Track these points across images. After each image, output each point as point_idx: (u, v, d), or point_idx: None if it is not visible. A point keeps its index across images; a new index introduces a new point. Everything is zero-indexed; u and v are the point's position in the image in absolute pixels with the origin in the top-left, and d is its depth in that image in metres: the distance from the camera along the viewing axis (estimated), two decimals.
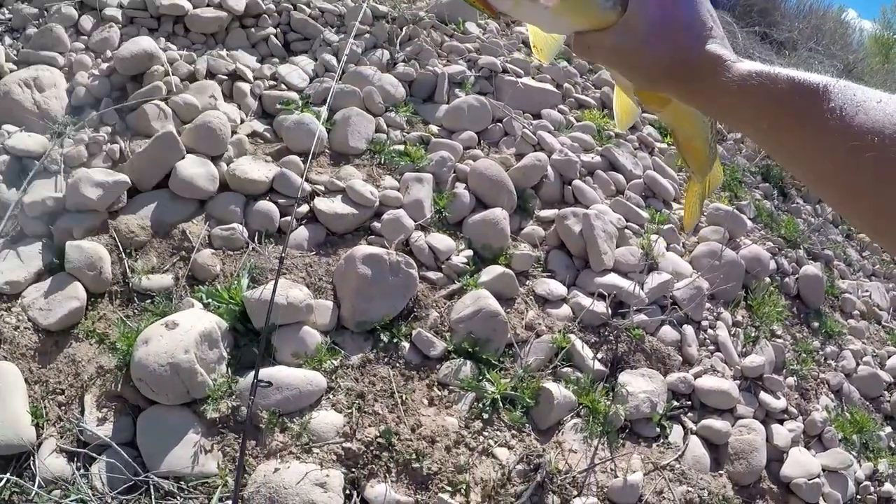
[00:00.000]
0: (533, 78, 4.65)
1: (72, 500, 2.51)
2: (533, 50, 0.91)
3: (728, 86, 0.68)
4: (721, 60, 0.70)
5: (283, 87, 3.97)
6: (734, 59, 0.70)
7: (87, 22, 4.07)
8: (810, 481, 3.25)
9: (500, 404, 2.99)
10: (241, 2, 4.21)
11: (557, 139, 4.20)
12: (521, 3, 0.74)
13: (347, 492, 2.63)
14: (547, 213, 3.80)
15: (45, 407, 2.75)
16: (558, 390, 3.04)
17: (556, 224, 3.68)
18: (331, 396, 2.86)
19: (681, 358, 3.53)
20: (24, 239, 3.18)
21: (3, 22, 4.09)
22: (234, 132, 3.63)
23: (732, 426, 3.32)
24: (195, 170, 3.30)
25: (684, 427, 3.30)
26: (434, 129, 4.05)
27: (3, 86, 3.60)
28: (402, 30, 4.52)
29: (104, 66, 3.82)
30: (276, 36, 4.31)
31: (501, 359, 3.13)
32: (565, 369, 3.21)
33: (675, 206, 4.45)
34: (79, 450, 2.65)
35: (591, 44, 0.76)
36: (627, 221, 3.94)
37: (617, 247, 3.73)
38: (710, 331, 3.77)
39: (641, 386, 3.27)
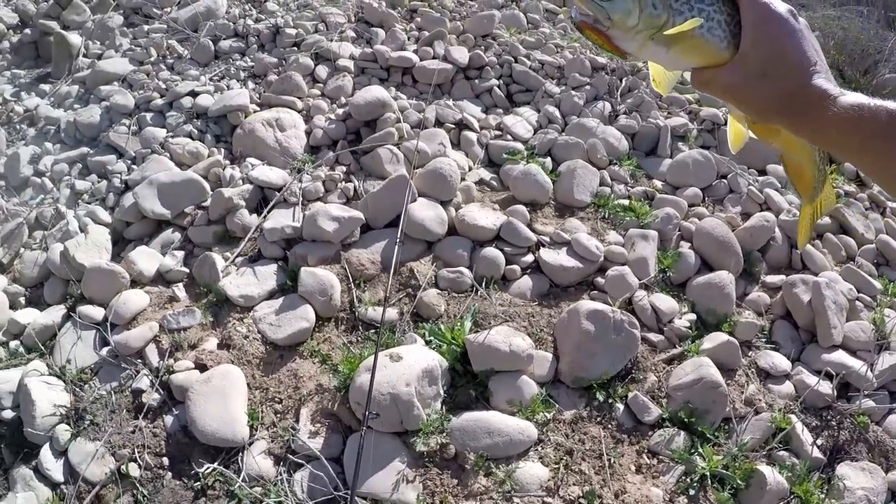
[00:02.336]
0: None
1: (271, 500, 2.72)
2: (652, 83, 0.99)
3: (834, 119, 0.74)
4: (827, 95, 0.75)
5: (509, 137, 4.10)
6: (838, 92, 0.75)
7: (322, 71, 4.47)
8: None
9: (709, 482, 2.85)
10: (464, 55, 4.44)
11: (785, 197, 3.98)
12: (646, 45, 0.85)
13: None
14: (773, 278, 3.60)
15: (261, 412, 3.00)
16: (772, 475, 2.84)
17: (783, 292, 3.47)
18: (539, 449, 2.86)
19: None
20: (261, 259, 3.52)
21: (246, 69, 4.61)
22: (462, 179, 3.78)
23: None
24: (426, 213, 3.48)
25: None
26: (658, 184, 4.00)
27: (249, 124, 4.03)
28: (621, 81, 4.51)
29: (339, 111, 4.15)
30: (499, 87, 4.46)
31: (716, 433, 2.98)
32: (781, 453, 3.00)
33: None
34: (287, 456, 2.86)
35: (708, 80, 0.84)
36: (859, 292, 3.63)
37: (847, 320, 3.45)
38: None
39: (860, 481, 2.98)
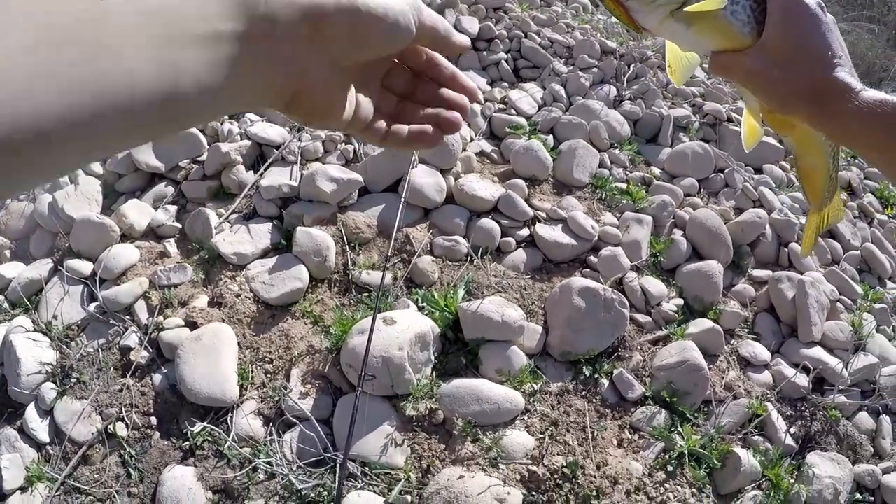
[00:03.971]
0: None
1: (261, 460, 2.70)
2: (667, 70, 0.95)
3: (856, 112, 0.73)
4: (849, 88, 0.74)
5: (513, 111, 4.11)
6: (861, 87, 0.74)
7: None
8: None
9: (687, 460, 2.92)
10: (475, 25, 4.43)
11: (778, 197, 4.06)
12: (666, 21, 0.81)
13: None
14: (760, 273, 3.67)
15: (252, 371, 2.97)
16: (747, 457, 2.93)
17: (768, 286, 3.55)
18: (525, 418, 2.91)
19: (872, 449, 3.30)
20: (256, 217, 3.48)
21: None
22: (463, 149, 3.78)
23: None
24: (425, 179, 3.48)
25: None
26: (656, 171, 4.04)
27: None
28: (629, 67, 4.54)
29: None
30: (506, 62, 4.46)
31: (696, 414, 3.06)
32: (756, 437, 3.10)
33: (890, 284, 4.17)
34: (277, 416, 2.85)
35: (729, 64, 0.82)
36: (840, 294, 3.74)
37: (827, 320, 3.54)
38: None
39: (828, 471, 3.08)
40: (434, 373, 2.97)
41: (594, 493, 2.73)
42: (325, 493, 2.67)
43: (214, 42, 0.42)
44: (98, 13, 0.36)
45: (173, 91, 0.40)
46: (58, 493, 2.75)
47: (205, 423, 2.80)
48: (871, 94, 0.74)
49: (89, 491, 2.76)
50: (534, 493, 2.71)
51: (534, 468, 2.76)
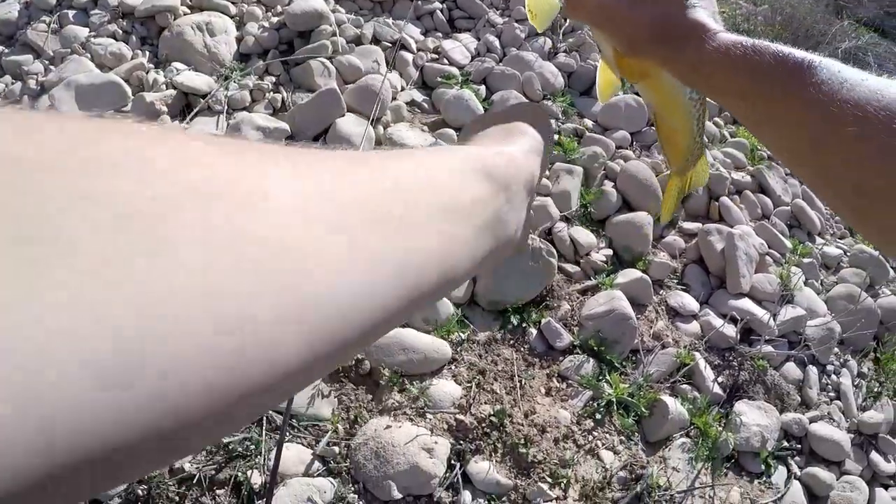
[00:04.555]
0: None
1: None
2: (528, 15, 0.90)
3: (712, 54, 0.68)
4: (706, 28, 0.70)
5: (446, 61, 4.03)
6: (719, 29, 0.70)
7: None
8: None
9: (615, 408, 2.95)
10: None
11: (710, 152, 4.09)
12: None
13: (451, 462, 2.66)
14: (690, 225, 3.70)
15: None
16: (674, 405, 2.97)
17: (698, 238, 3.58)
18: (453, 367, 2.89)
19: (799, 398, 3.38)
20: None
21: None
22: (393, 98, 3.71)
23: (837, 479, 3.16)
24: (354, 128, 3.39)
25: (789, 470, 3.15)
26: (589, 123, 4.01)
27: (177, 27, 3.81)
28: (565, 20, 4.49)
29: (274, 19, 3.97)
30: (441, 11, 4.38)
31: (624, 363, 3.08)
32: (684, 386, 3.14)
33: (819, 240, 4.25)
34: None
35: (579, 2, 0.78)
36: (770, 248, 3.80)
37: (755, 272, 3.59)
38: (833, 377, 3.59)
39: (756, 419, 3.15)
40: None
41: (522, 441, 2.72)
42: (254, 447, 2.62)
43: (478, 209, 0.43)
44: (389, 184, 0.34)
45: (453, 263, 0.38)
46: None
47: None
48: (730, 36, 0.68)
49: None
50: (461, 441, 2.69)
51: (461, 417, 2.74)
